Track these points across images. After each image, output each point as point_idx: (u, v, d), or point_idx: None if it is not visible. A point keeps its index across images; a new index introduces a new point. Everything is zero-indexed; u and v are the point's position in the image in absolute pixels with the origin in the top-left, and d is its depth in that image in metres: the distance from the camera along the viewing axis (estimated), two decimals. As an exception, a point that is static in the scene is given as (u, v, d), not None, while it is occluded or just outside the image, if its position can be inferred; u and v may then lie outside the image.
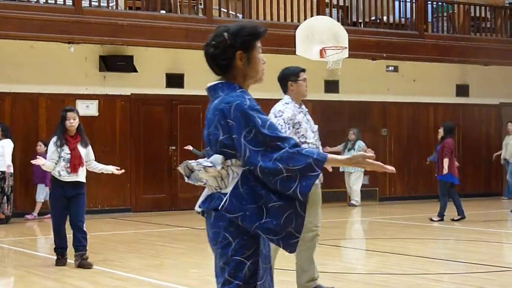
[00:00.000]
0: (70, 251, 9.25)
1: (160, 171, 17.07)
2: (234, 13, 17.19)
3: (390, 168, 3.64)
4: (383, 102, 19.59)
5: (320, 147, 7.25)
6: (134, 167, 16.71)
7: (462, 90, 20.69)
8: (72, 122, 9.15)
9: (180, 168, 3.70)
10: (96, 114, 16.22)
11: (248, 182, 3.57)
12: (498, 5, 20.79)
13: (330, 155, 3.58)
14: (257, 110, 3.57)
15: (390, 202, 18.88)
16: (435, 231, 13.49)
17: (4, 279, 9.03)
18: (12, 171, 14.57)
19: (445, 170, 14.02)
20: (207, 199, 3.70)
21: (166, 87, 17.15)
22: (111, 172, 9.50)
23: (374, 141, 18.90)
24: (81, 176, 9.16)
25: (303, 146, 5.43)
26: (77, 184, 9.13)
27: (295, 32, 15.62)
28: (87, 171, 9.36)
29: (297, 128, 6.80)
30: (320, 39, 15.68)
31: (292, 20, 17.10)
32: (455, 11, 19.96)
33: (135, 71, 16.53)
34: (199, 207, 3.81)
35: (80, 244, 9.09)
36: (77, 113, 9.36)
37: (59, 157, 9.05)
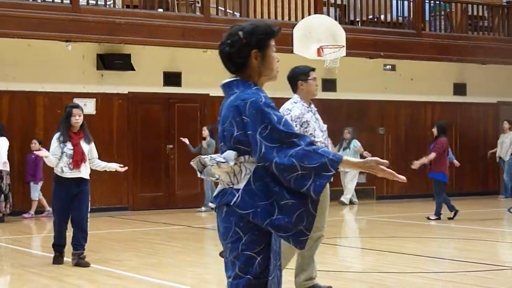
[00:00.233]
0: (68, 248, 9.24)
1: (158, 169, 17.06)
2: (231, 11, 17.18)
3: (402, 178, 3.65)
4: (380, 101, 19.61)
5: (330, 146, 7.29)
6: (132, 165, 16.67)
7: (460, 89, 20.71)
8: (78, 119, 9.09)
9: (193, 163, 3.76)
10: (94, 112, 16.21)
11: (261, 179, 3.61)
12: (495, 4, 20.80)
13: (345, 157, 3.64)
14: (272, 107, 3.63)
15: (387, 201, 18.90)
16: (432, 229, 13.49)
17: (1, 278, 9.02)
18: (8, 169, 14.55)
19: (428, 164, 14.21)
20: (219, 194, 3.75)
21: (163, 86, 17.15)
22: (114, 170, 9.45)
23: (371, 140, 18.91)
24: (84, 172, 9.08)
25: None
26: (80, 180, 9.06)
27: (292, 30, 15.62)
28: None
29: (305, 127, 6.82)
30: (318, 38, 15.68)
31: (289, 19, 17.09)
32: (452, 10, 19.97)
33: (133, 69, 16.52)
34: (211, 202, 3.86)
35: (79, 243, 9.06)
36: (82, 109, 9.34)
37: (62, 153, 9.01)
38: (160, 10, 16.16)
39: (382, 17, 18.67)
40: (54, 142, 9.09)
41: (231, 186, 3.68)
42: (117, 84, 16.58)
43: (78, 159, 9.00)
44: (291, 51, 15.34)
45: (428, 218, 14.38)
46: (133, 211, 16.57)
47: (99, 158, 9.40)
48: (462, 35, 19.67)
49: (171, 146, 17.14)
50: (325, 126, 7.09)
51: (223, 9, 16.83)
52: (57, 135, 9.13)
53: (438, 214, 14.32)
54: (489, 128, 21.04)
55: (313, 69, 7.13)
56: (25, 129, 15.68)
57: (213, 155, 3.70)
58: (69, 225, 9.18)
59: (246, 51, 3.73)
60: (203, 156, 3.75)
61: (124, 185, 16.62)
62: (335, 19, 17.40)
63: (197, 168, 3.76)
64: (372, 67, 19.04)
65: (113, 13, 15.48)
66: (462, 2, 19.87)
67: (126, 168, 9.58)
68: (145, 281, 8.25)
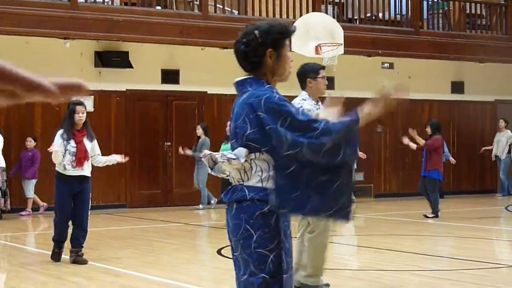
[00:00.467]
0: (66, 245, 9.22)
1: (155, 167, 17.06)
2: (229, 9, 17.18)
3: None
4: (378, 98, 19.59)
5: None
6: (129, 163, 16.61)
7: (458, 87, 20.72)
8: (81, 116, 9.03)
9: (204, 160, 3.81)
10: (91, 109, 16.19)
11: (287, 169, 3.63)
12: (493, 2, 20.80)
13: (360, 113, 3.73)
14: (286, 101, 3.69)
15: (385, 199, 18.91)
16: (429, 227, 13.51)
17: (-1, 275, 9.03)
18: (3, 165, 14.53)
19: (417, 141, 14.35)
20: (229, 191, 3.78)
21: (161, 83, 17.15)
22: (116, 162, 9.39)
23: (369, 138, 18.91)
24: (86, 170, 9.05)
25: None
26: (83, 178, 9.02)
27: (290, 28, 15.60)
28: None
29: None
30: (316, 36, 15.67)
31: (287, 17, 17.09)
32: (450, 8, 19.98)
33: (131, 67, 16.51)
34: (222, 198, 3.90)
35: (78, 241, 9.04)
36: (85, 106, 9.31)
37: (65, 150, 8.98)
38: (158, 7, 16.16)
39: (380, 15, 18.68)
40: (58, 139, 8.98)
41: (241, 183, 3.71)
42: (115, 81, 16.57)
43: (81, 156, 8.96)
44: (290, 49, 15.33)
45: (426, 216, 14.40)
46: (130, 208, 16.57)
47: (98, 155, 9.37)
48: (460, 33, 19.68)
49: (169, 143, 17.14)
50: None
51: (221, 6, 16.82)
52: (60, 131, 9.04)
53: (435, 212, 14.34)
54: (487, 126, 21.05)
55: (323, 68, 7.18)
56: (23, 127, 15.66)
57: (224, 152, 3.75)
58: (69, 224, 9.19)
59: (261, 50, 3.77)
60: (214, 153, 3.79)
61: (122, 183, 16.63)
62: (333, 17, 17.39)
63: (208, 165, 3.80)
64: (370, 65, 19.05)
65: (111, 10, 15.48)
66: (460, 0, 19.88)
67: (127, 158, 9.53)
68: (142, 278, 8.25)
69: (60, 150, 8.94)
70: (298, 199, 3.63)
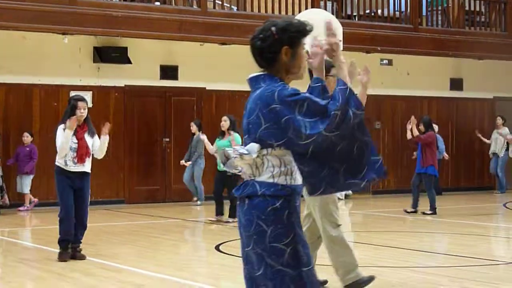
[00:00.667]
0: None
1: (154, 163, 17.06)
2: (228, 5, 17.16)
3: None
4: (377, 95, 19.57)
5: None
6: (128, 158, 16.70)
7: (456, 84, 20.71)
8: (83, 112, 8.98)
9: (218, 155, 3.86)
10: (90, 105, 16.17)
11: (306, 156, 3.68)
12: (492, -1, 20.80)
13: (342, 79, 4.00)
14: (298, 90, 3.75)
15: (383, 195, 18.91)
16: (427, 224, 13.51)
17: (-3, 270, 9.03)
18: None
19: (410, 133, 14.55)
20: (241, 186, 3.78)
21: (160, 79, 17.13)
22: (106, 134, 9.10)
23: (367, 134, 18.89)
24: (87, 166, 9.02)
25: None
26: (84, 174, 8.99)
27: (289, 24, 15.58)
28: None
29: None
30: (315, 32, 15.66)
31: (286, 13, 17.06)
32: (449, 5, 19.96)
33: (129, 62, 16.49)
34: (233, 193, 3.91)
35: (76, 237, 9.02)
36: (87, 102, 9.27)
37: None
38: (157, 3, 16.14)
39: (379, 11, 18.66)
40: (60, 134, 8.94)
41: (253, 178, 3.72)
42: (114, 77, 16.56)
43: (83, 153, 8.92)
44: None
45: (424, 213, 14.40)
46: (129, 204, 16.57)
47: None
48: (459, 30, 19.66)
49: (167, 139, 17.14)
50: None
51: (220, 2, 16.80)
52: (62, 126, 8.96)
53: (433, 208, 14.35)
54: (485, 123, 21.03)
55: (334, 66, 7.18)
56: (21, 122, 15.64)
57: (237, 147, 3.76)
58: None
59: (277, 46, 3.78)
60: (227, 148, 3.79)
61: (120, 178, 16.62)
62: (332, 13, 17.37)
63: (221, 160, 3.80)
64: (368, 61, 18.97)
65: (110, 5, 15.46)
66: (459, -3, 19.87)
67: (108, 124, 9.35)
68: (140, 274, 8.25)
69: (59, 147, 8.87)
70: (329, 176, 3.71)
